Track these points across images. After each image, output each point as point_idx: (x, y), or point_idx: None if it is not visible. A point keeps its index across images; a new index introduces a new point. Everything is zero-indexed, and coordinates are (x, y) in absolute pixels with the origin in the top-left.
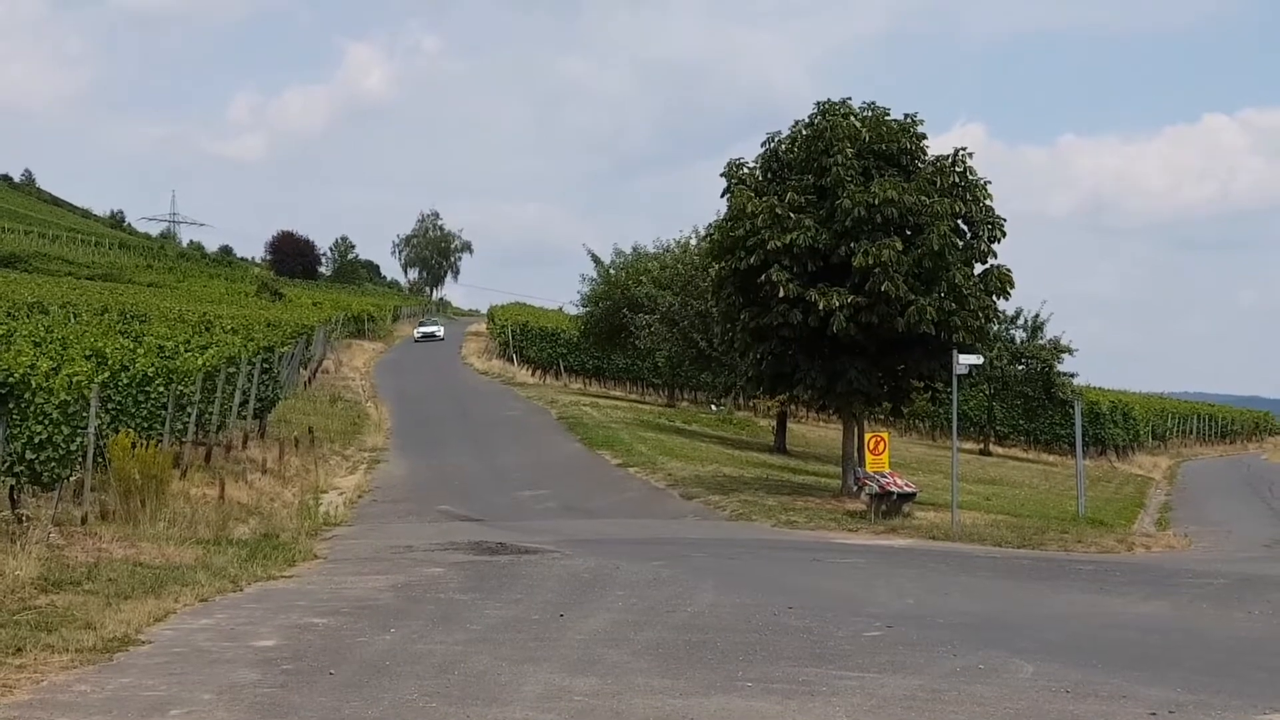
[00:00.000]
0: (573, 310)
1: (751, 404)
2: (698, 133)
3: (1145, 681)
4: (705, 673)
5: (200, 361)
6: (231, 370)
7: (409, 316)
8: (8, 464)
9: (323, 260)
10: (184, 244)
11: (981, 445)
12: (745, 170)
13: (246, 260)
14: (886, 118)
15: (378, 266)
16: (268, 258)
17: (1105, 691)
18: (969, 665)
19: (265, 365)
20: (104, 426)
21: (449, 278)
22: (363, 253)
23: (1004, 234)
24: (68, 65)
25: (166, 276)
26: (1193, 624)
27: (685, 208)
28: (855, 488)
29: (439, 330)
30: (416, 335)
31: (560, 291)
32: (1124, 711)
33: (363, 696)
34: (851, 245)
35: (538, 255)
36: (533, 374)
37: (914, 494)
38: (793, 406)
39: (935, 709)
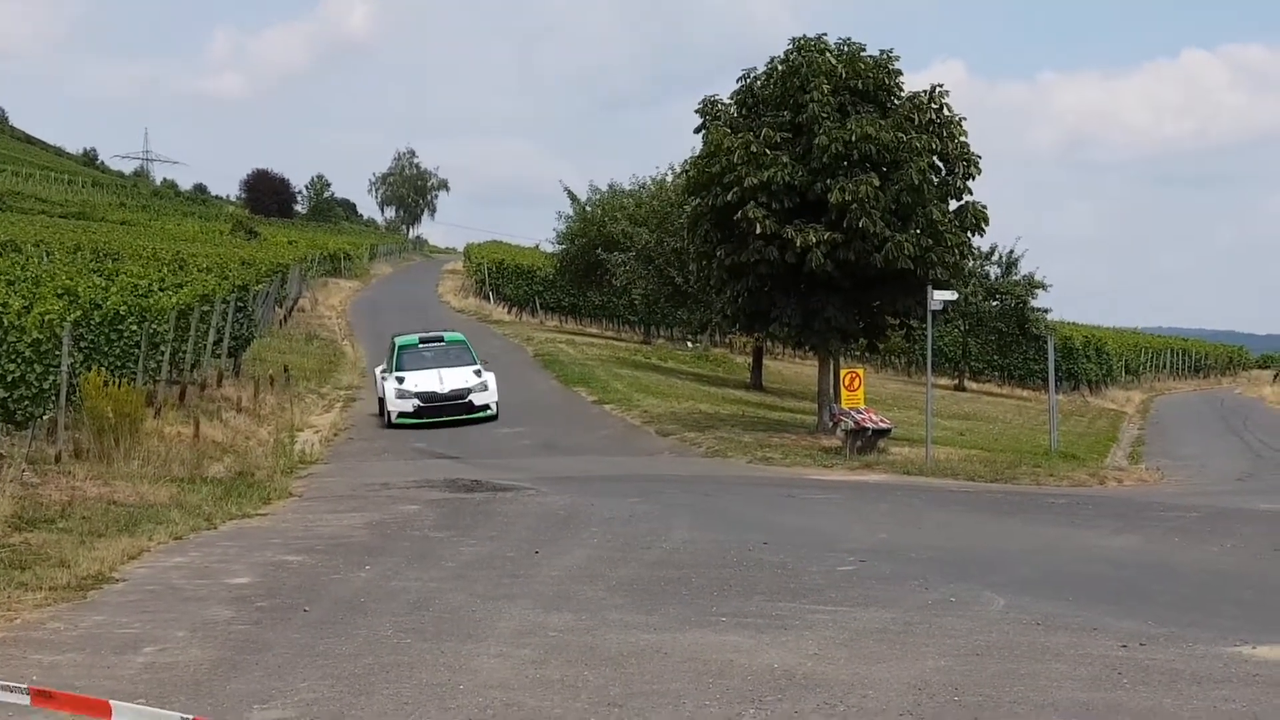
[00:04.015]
0: (549, 248)
1: (728, 341)
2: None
3: (1116, 615)
4: (679, 608)
5: (174, 300)
6: (206, 309)
7: (385, 255)
8: None
9: (298, 199)
10: (158, 182)
11: (956, 381)
12: (721, 107)
13: (221, 199)
14: (862, 54)
15: (354, 205)
16: (243, 196)
17: (1076, 624)
18: (941, 599)
19: (240, 304)
20: (77, 365)
21: (426, 216)
22: (339, 191)
23: (979, 171)
24: (43, 3)
25: (140, 215)
26: (1164, 558)
27: (668, 146)
28: (831, 424)
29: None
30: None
31: (538, 230)
32: (1094, 644)
33: (337, 633)
34: (828, 182)
35: (516, 194)
36: (509, 312)
37: (889, 430)
38: (769, 343)
39: (906, 641)
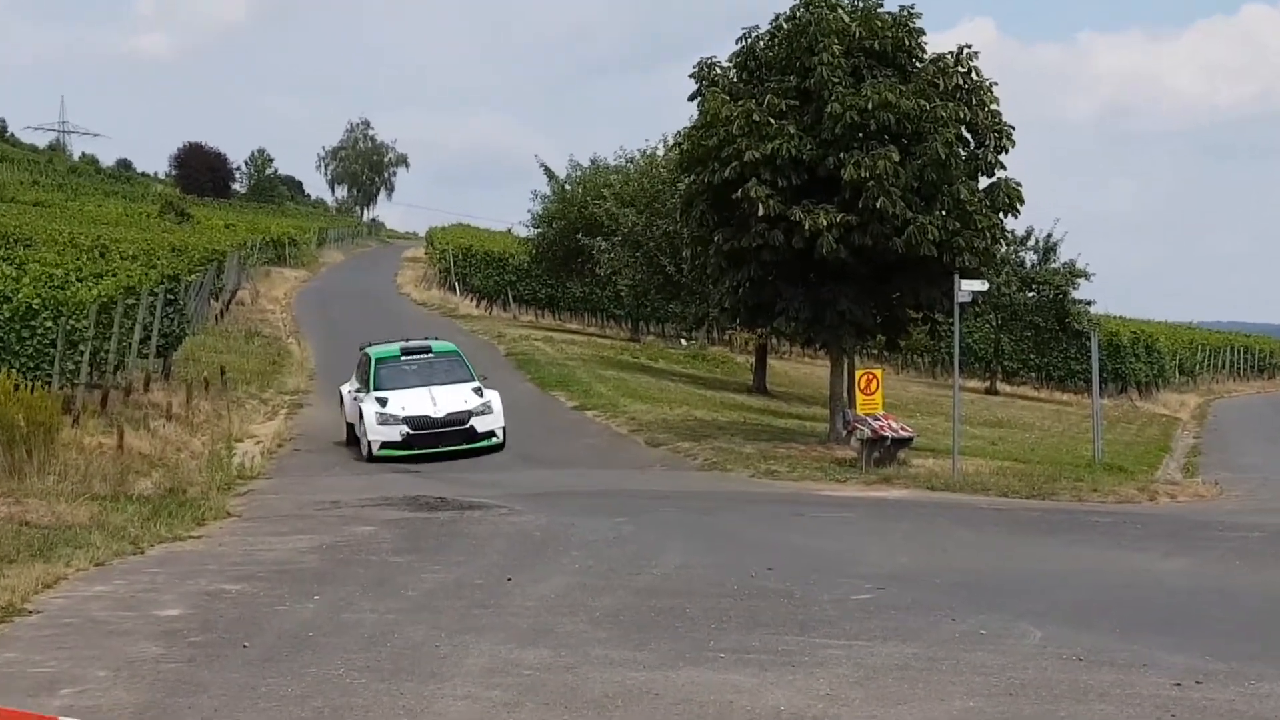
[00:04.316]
0: (523, 232)
1: (727, 338)
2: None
3: (1168, 648)
4: (672, 642)
5: (95, 292)
6: (131, 302)
7: (337, 240)
8: None
9: (237, 176)
10: (75, 157)
11: (987, 383)
12: (718, 71)
13: (148, 176)
14: (879, 10)
15: (300, 184)
16: (173, 173)
17: (1123, 659)
18: (969, 631)
19: (170, 296)
20: None
21: (382, 196)
22: (283, 168)
23: (1012, 143)
24: None
25: (55, 194)
26: (1223, 583)
27: (659, 116)
28: (844, 432)
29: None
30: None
31: (510, 212)
32: (1144, 682)
33: (281, 672)
34: (841, 156)
35: (485, 171)
36: (477, 305)
37: (910, 439)
38: (774, 341)
39: (931, 679)
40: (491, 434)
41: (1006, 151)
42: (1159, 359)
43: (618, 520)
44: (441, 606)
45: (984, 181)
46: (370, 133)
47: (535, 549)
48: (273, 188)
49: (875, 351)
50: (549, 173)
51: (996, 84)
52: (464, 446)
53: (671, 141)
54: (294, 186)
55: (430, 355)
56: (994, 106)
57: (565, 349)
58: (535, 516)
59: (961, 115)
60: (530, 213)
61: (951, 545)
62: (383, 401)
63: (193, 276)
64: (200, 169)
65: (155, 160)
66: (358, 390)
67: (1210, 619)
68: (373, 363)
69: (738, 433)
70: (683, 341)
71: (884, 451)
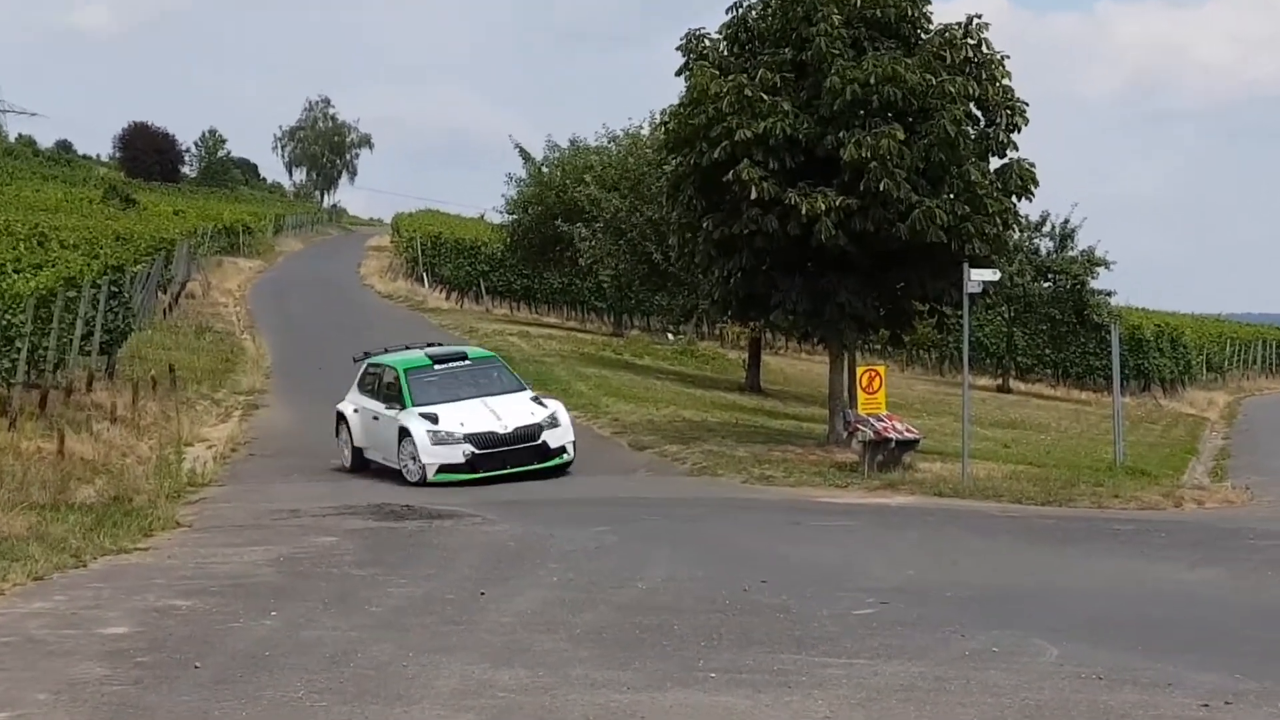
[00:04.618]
0: (497, 219)
1: (718, 332)
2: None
3: (1196, 666)
4: (659, 662)
5: (32, 284)
6: (71, 295)
7: (295, 228)
8: None
9: (186, 159)
10: (11, 139)
11: (999, 381)
12: (707, 44)
13: (90, 158)
14: None
15: (255, 166)
16: (117, 155)
17: (1146, 678)
18: (981, 648)
19: (114, 289)
20: None
21: (344, 180)
22: (237, 149)
23: (1026, 121)
24: None
25: None
26: (1255, 596)
27: (644, 92)
28: (845, 434)
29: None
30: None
31: (483, 196)
32: (1170, 702)
33: (236, 694)
34: (840, 135)
35: (455, 152)
36: (447, 297)
37: (916, 441)
38: (768, 335)
39: (938, 701)
40: (563, 450)
41: (1019, 130)
42: (1185, 354)
43: (599, 530)
44: (409, 623)
45: (995, 162)
46: (330, 111)
47: (510, 561)
48: (225, 171)
49: (878, 347)
50: (524, 154)
51: (1008, 57)
52: (535, 466)
53: (657, 120)
54: (248, 170)
55: (467, 363)
56: (1005, 81)
57: (543, 345)
58: (510, 526)
59: (971, 91)
60: (504, 197)
61: (961, 556)
62: (432, 418)
63: (139, 267)
64: (146, 151)
65: (98, 141)
66: (383, 406)
67: (1241, 635)
68: (401, 374)
69: (730, 435)
70: (670, 336)
71: (888, 455)
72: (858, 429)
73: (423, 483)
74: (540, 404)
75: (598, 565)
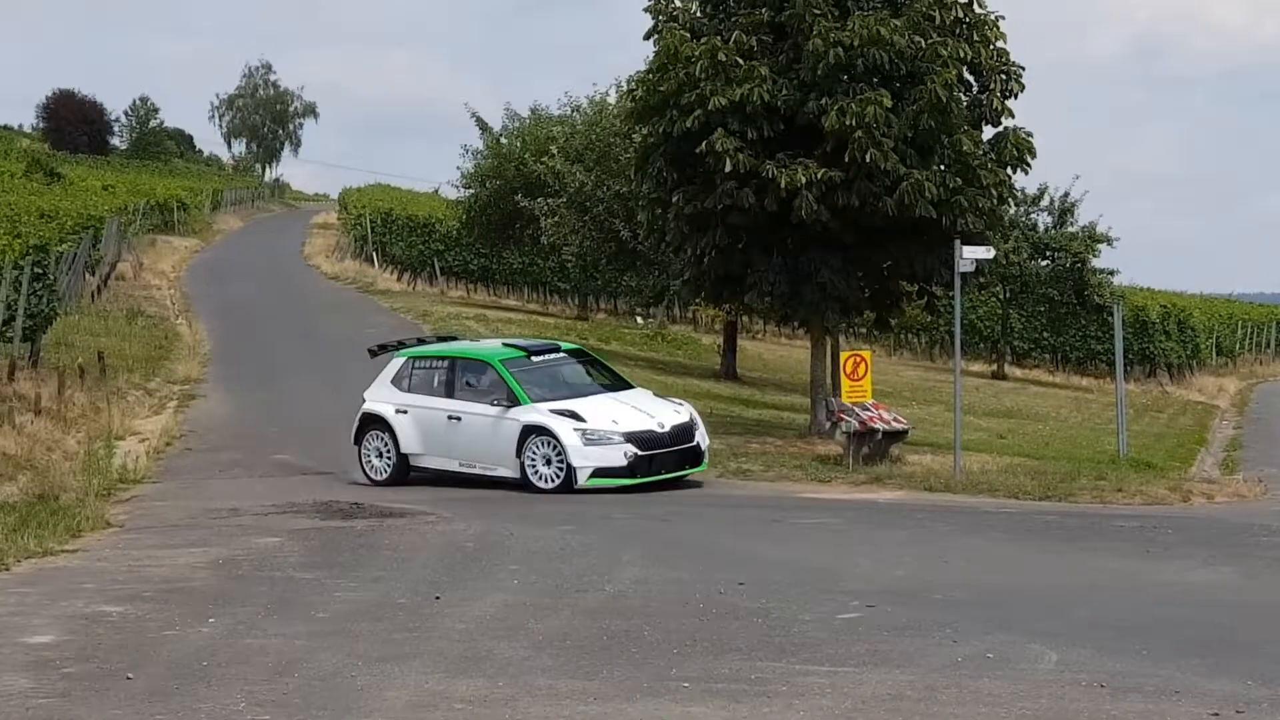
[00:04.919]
0: (452, 194)
1: (690, 315)
2: None
3: (1205, 672)
4: (628, 670)
5: None
6: None
7: (234, 204)
8: None
9: (116, 129)
10: None
11: (994, 366)
12: (678, 4)
13: (11, 129)
14: None
15: (191, 138)
16: (41, 126)
17: (1152, 686)
18: (974, 654)
19: (38, 270)
20: None
21: (287, 152)
22: (170, 119)
23: (1022, 86)
24: None
25: None
26: (1269, 596)
27: (610, 57)
28: (828, 425)
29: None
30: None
31: (438, 170)
32: (1177, 711)
33: (171, 708)
34: (823, 101)
35: (407, 122)
36: (399, 278)
37: (905, 432)
38: (745, 318)
39: (929, 711)
40: (703, 454)
41: (1015, 96)
42: (1193, 337)
43: (564, 528)
44: (358, 630)
45: (989, 131)
46: (272, 78)
47: (467, 562)
48: (159, 143)
49: (864, 330)
50: (482, 124)
51: (1003, 18)
52: (685, 471)
53: (624, 87)
54: (184, 141)
55: (562, 355)
56: (1000, 44)
57: (502, 329)
58: (467, 524)
59: (963, 54)
60: (461, 171)
61: (953, 555)
62: (574, 415)
63: (64, 247)
64: (73, 121)
65: (19, 111)
66: (472, 405)
67: (1253, 639)
68: (499, 367)
69: (704, 425)
70: (639, 319)
71: (874, 446)
72: (842, 419)
73: (564, 490)
74: (675, 403)
75: (562, 567)
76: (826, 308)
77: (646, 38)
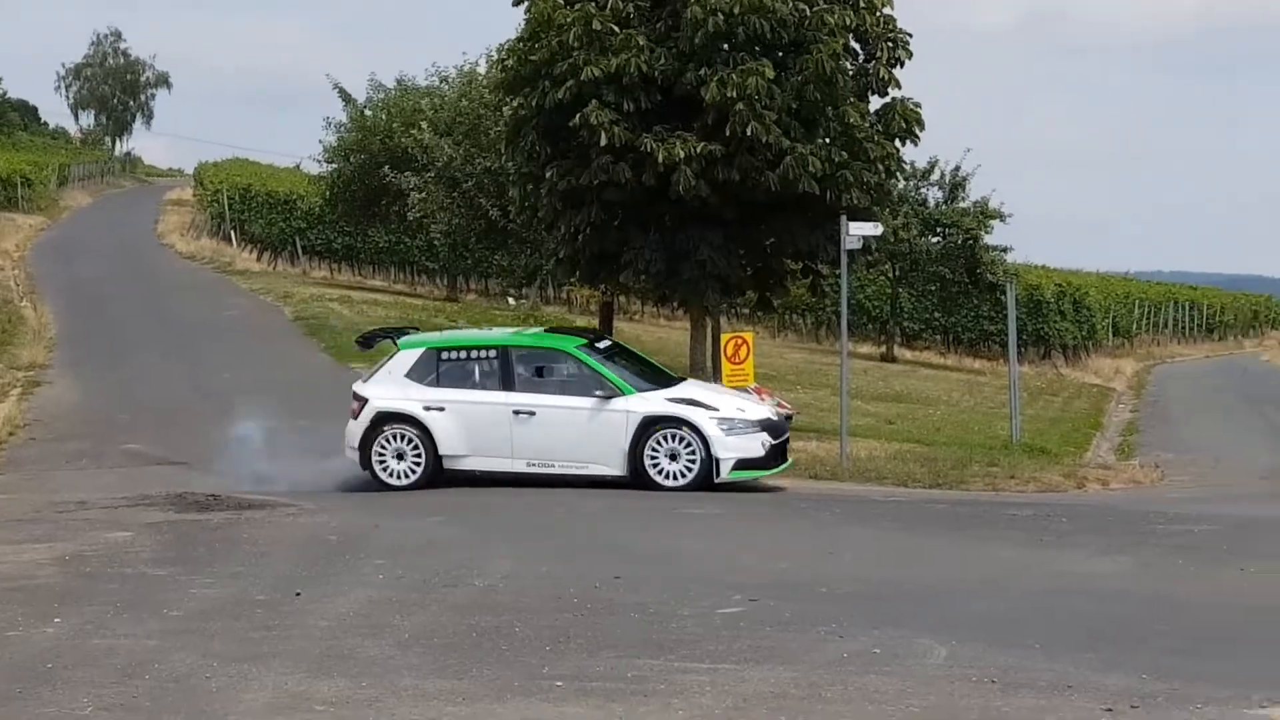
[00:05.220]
0: (315, 169)
1: (565, 295)
2: None
3: (1100, 666)
4: (497, 669)
5: None
6: None
7: (82, 180)
8: None
9: None
10: None
11: (883, 348)
12: None
13: None
14: None
15: (35, 109)
16: None
17: (1045, 681)
18: (861, 649)
19: None
20: None
21: (139, 124)
22: (13, 90)
23: (909, 55)
24: None
25: None
26: (1165, 587)
27: (481, 25)
28: None
29: None
30: None
31: (300, 143)
32: (1069, 707)
33: (12, 713)
34: (702, 72)
35: (267, 93)
36: (259, 258)
37: (789, 418)
38: (622, 298)
39: (813, 709)
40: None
41: (902, 65)
42: (1089, 317)
43: (433, 520)
44: (214, 629)
45: (876, 102)
46: (122, 46)
47: (331, 557)
48: (0, 114)
49: (746, 311)
50: (345, 96)
51: None
52: (785, 465)
53: (495, 56)
54: (27, 113)
55: (612, 344)
56: (887, 10)
57: (367, 311)
58: (331, 517)
59: (849, 21)
60: (324, 144)
61: (840, 546)
62: (696, 404)
63: None
64: None
65: None
66: (552, 399)
67: (1149, 631)
68: (581, 356)
69: None
70: (510, 300)
71: None
72: None
73: (697, 487)
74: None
75: (430, 560)
76: (706, 287)
77: (516, 3)
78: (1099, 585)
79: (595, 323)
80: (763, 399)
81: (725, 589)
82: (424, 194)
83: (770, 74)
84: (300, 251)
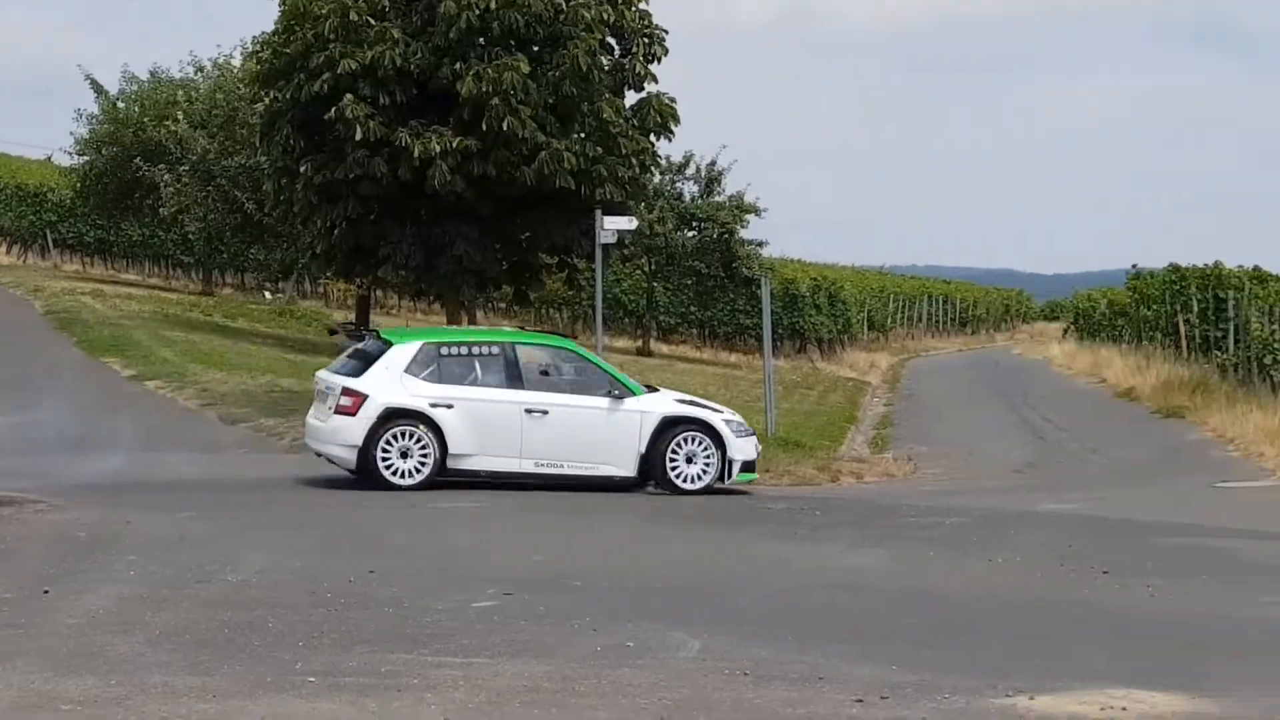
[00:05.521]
0: (66, 161)
1: (322, 290)
2: None
3: (851, 658)
4: (251, 665)
5: None
6: None
7: None
8: None
9: None
10: None
11: (639, 342)
12: None
13: None
14: None
15: None
16: None
17: (797, 673)
18: (615, 643)
19: None
20: None
21: None
22: None
23: (665, 51)
24: None
25: None
26: (916, 579)
27: (238, 15)
28: None
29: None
30: None
31: (49, 135)
32: (821, 699)
33: None
34: (458, 66)
35: (13, 83)
36: (8, 251)
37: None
38: (379, 293)
39: (566, 703)
40: None
41: (659, 61)
42: (844, 311)
43: (185, 515)
44: None
45: (631, 98)
46: None
47: (80, 554)
48: None
49: (503, 305)
50: (97, 86)
51: None
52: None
53: (251, 48)
54: None
55: None
56: (643, 5)
57: (120, 305)
58: (80, 513)
59: (605, 16)
60: (74, 136)
61: (594, 541)
62: (705, 405)
63: None
64: None
65: None
66: (568, 398)
67: (900, 623)
68: (587, 354)
69: None
70: (267, 295)
71: None
72: None
73: (709, 491)
74: None
75: (182, 556)
76: (462, 281)
77: None
78: (852, 579)
79: (352, 317)
80: None
81: (480, 583)
82: (178, 187)
83: (526, 69)
84: (51, 245)
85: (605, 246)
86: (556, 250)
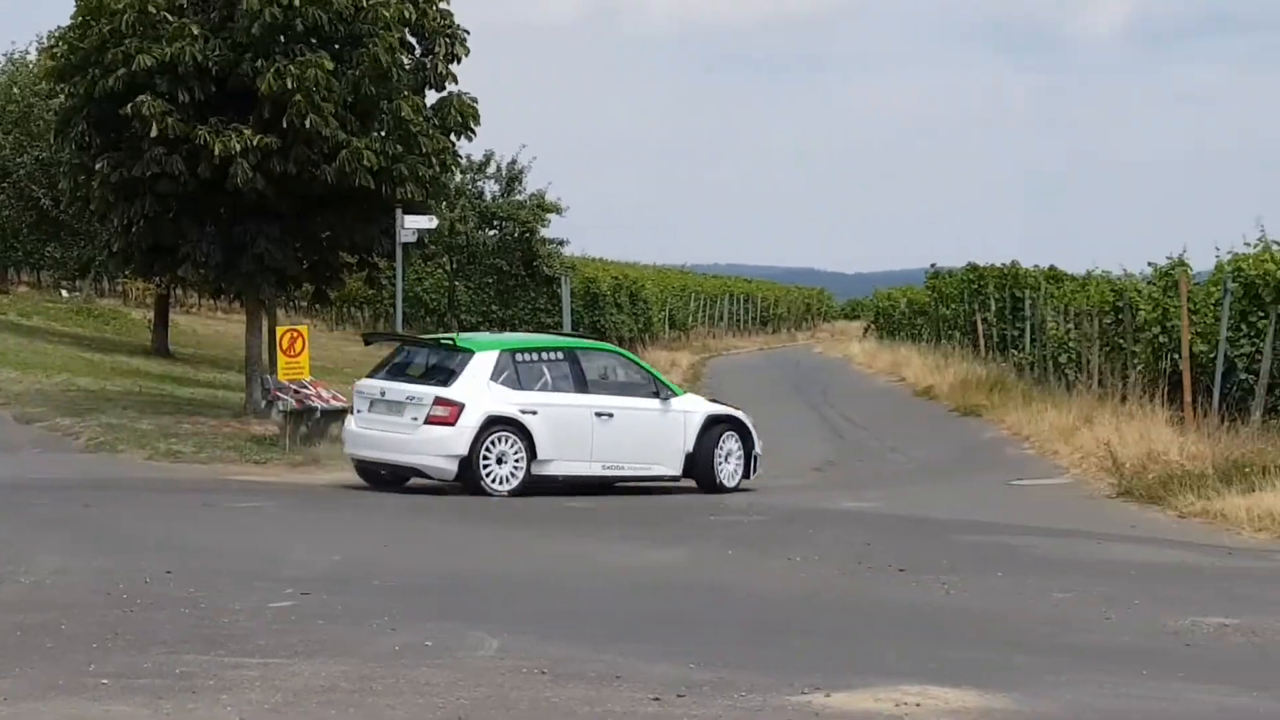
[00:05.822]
0: None
1: (120, 288)
2: None
3: (649, 656)
4: (44, 667)
5: None
6: None
7: None
8: None
9: None
10: None
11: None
12: None
13: None
14: None
15: None
16: None
17: (595, 671)
18: (413, 642)
19: None
20: None
21: None
22: None
23: (466, 50)
24: None
25: None
26: (715, 577)
27: (35, 9)
28: (264, 404)
29: None
30: None
31: None
32: (617, 697)
33: None
34: (259, 64)
35: None
36: None
37: (345, 410)
38: (178, 291)
39: (363, 703)
40: None
41: (459, 60)
42: (645, 310)
43: None
44: None
45: (432, 97)
46: None
47: None
48: None
49: (305, 304)
50: None
51: None
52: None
53: (46, 43)
54: None
55: None
56: (444, 5)
57: None
58: None
59: (406, 15)
60: None
61: (395, 540)
62: (726, 404)
63: None
64: None
65: None
66: (629, 400)
67: (697, 621)
68: (631, 355)
69: (132, 405)
70: (63, 293)
71: (313, 426)
72: (278, 397)
73: (738, 489)
74: None
75: None
76: (262, 280)
77: None
78: (653, 578)
79: (151, 316)
80: (319, 392)
81: (278, 582)
82: None
83: (329, 66)
84: None
85: (406, 245)
86: (357, 249)
